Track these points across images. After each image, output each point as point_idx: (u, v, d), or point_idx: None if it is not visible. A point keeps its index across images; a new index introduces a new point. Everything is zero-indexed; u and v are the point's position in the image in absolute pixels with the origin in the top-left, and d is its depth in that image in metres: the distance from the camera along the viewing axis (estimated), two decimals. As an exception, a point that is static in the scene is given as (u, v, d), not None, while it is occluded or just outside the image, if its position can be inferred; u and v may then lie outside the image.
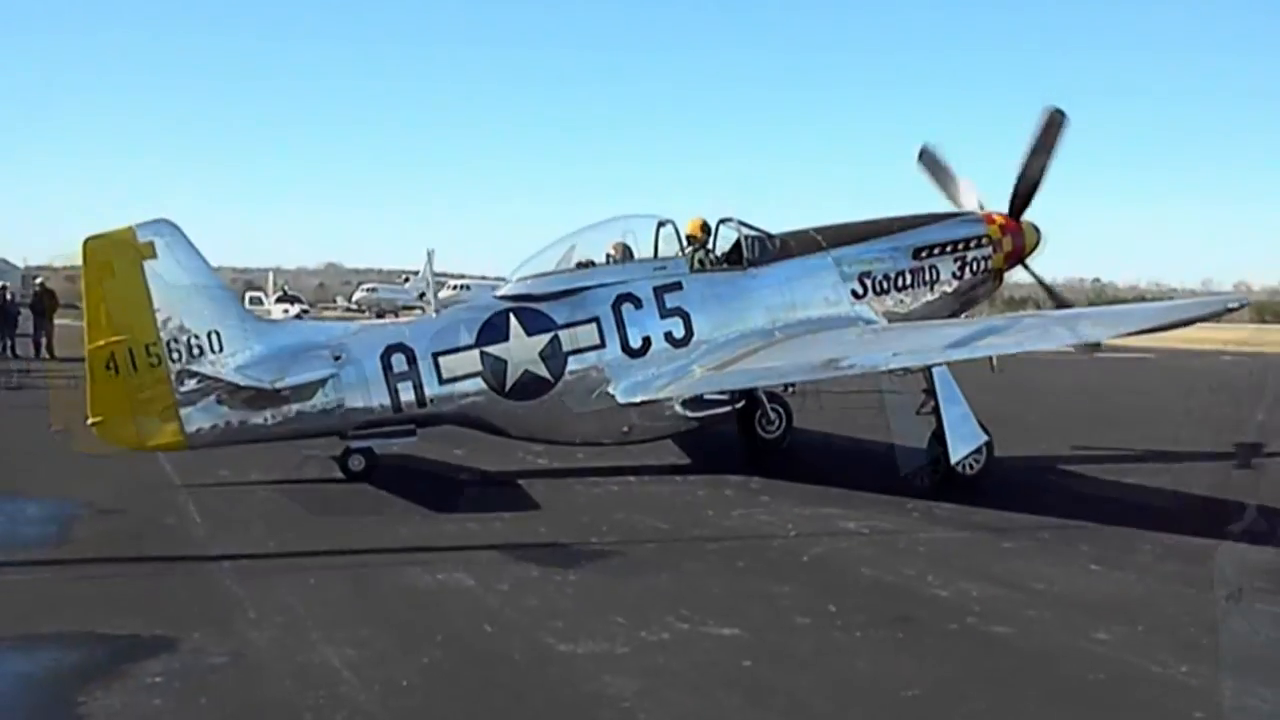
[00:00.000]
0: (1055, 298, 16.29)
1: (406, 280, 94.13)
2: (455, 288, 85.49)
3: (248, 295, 50.97)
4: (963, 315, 14.97)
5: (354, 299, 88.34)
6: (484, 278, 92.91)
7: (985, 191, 15.70)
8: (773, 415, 14.87)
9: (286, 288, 47.91)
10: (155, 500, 11.48)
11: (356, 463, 12.45)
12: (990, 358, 12.51)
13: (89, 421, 11.58)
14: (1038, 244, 15.53)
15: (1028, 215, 15.42)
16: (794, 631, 7.27)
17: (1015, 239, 15.18)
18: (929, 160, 16.19)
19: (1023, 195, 15.18)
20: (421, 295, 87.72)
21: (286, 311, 41.48)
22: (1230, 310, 11.29)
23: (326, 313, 75.26)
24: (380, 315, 74.65)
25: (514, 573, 8.74)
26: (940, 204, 15.77)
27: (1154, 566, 9.11)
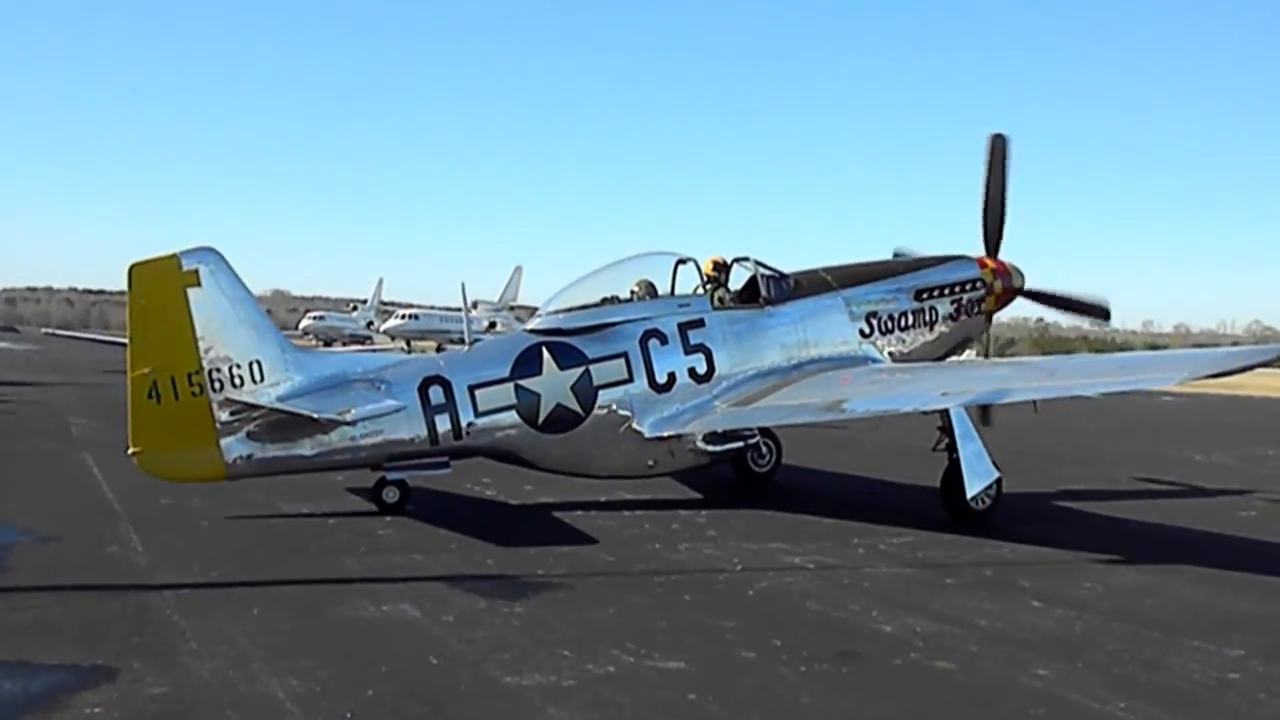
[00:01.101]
0: (1083, 309, 16.38)
1: (354, 308, 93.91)
2: (403, 316, 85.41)
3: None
4: (955, 355, 15.58)
5: (300, 326, 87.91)
6: (433, 307, 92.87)
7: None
8: (764, 450, 15.27)
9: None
10: (96, 528, 11.34)
11: (391, 494, 12.49)
12: (1034, 400, 12.65)
13: (130, 452, 11.42)
14: (1023, 285, 16.01)
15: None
16: (739, 666, 7.30)
17: (1005, 281, 15.73)
18: (997, 148, 15.84)
19: (993, 228, 15.66)
20: (370, 324, 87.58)
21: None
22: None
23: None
24: (327, 344, 74.41)
25: (460, 604, 8.71)
26: None
27: (1094, 603, 9.22)
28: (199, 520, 11.92)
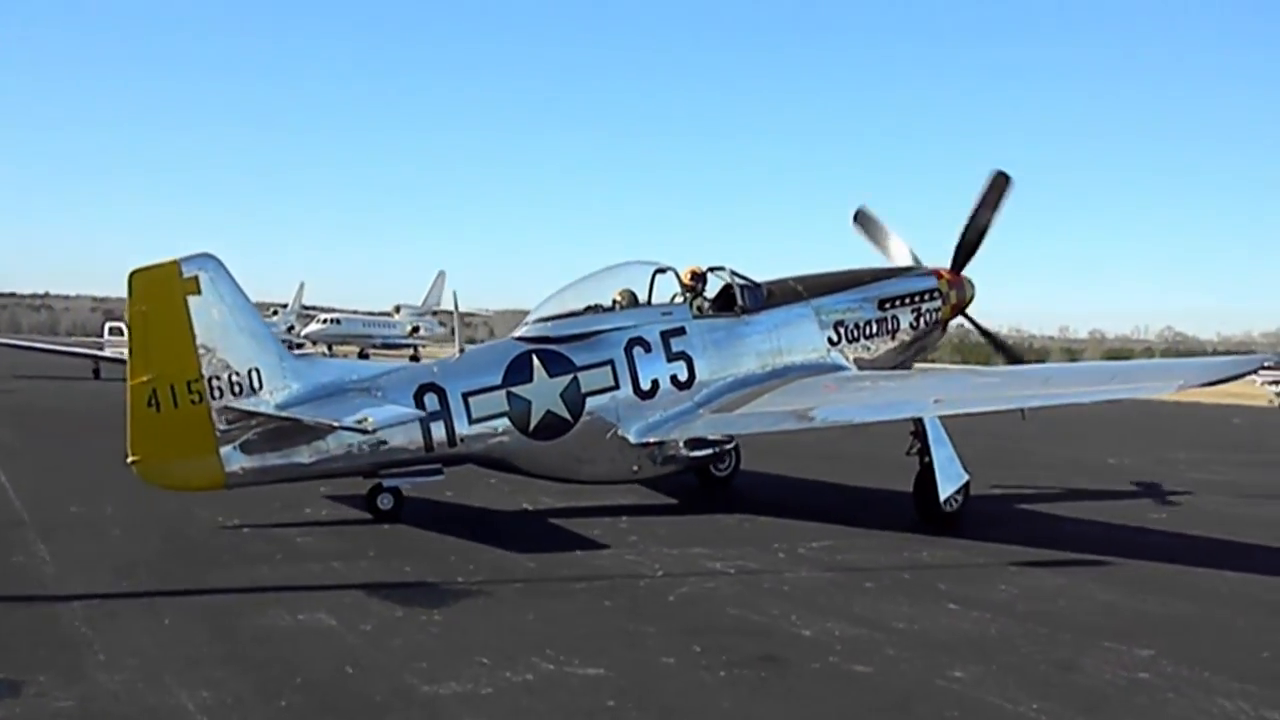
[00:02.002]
0: (1002, 347, 17.61)
1: (275, 313, 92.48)
2: (325, 321, 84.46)
3: (107, 326, 49.40)
4: (913, 363, 16.15)
5: None
6: (355, 311, 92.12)
7: (916, 242, 17.02)
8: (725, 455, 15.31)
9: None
10: (2, 537, 11.06)
11: (386, 501, 12.43)
12: (1021, 408, 12.98)
13: (128, 461, 11.21)
14: (974, 297, 16.68)
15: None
16: (659, 672, 7.29)
17: (959, 292, 16.41)
18: (864, 220, 17.31)
19: (966, 250, 16.37)
20: (291, 329, 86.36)
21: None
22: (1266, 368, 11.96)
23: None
24: None
25: (378, 612, 8.61)
26: (877, 260, 16.87)
27: (1009, 605, 9.35)
28: (110, 529, 11.67)
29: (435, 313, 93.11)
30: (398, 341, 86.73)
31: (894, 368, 15.43)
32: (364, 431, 11.46)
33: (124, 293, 11.21)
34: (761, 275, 14.84)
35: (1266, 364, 12.08)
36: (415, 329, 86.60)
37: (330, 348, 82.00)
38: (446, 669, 7.18)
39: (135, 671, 6.98)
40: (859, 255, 17.31)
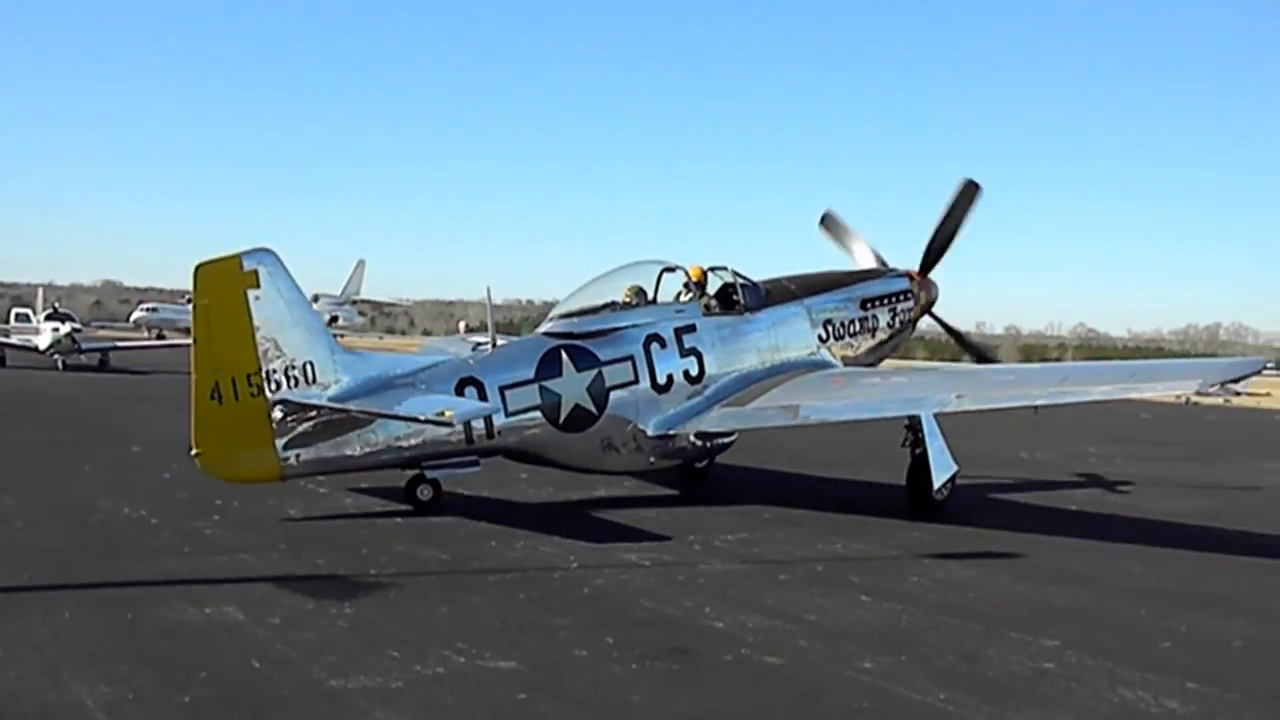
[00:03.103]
0: (969, 346, 18.23)
1: (188, 299, 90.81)
2: (146, 310, 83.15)
3: (14, 312, 48.04)
4: (884, 360, 16.96)
5: (132, 318, 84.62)
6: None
7: (881, 244, 17.79)
8: None
9: (58, 305, 45.40)
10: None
11: (425, 492, 12.71)
12: (1035, 404, 13.54)
13: (192, 453, 11.22)
14: (938, 297, 17.46)
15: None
16: (571, 664, 7.27)
17: (927, 293, 17.20)
18: (831, 223, 18.00)
19: (935, 254, 17.18)
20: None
21: (57, 330, 39.18)
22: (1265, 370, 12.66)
23: (101, 331, 71.78)
24: (160, 336, 72.12)
25: (287, 606, 8.49)
26: (843, 262, 17.61)
27: (920, 597, 9.46)
28: (11, 520, 11.39)
29: (355, 302, 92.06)
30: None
31: (870, 364, 16.18)
32: (448, 424, 11.82)
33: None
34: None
35: (1269, 366, 12.91)
36: (334, 318, 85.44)
37: (161, 334, 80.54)
38: (356, 663, 7.10)
39: (33, 666, 6.82)
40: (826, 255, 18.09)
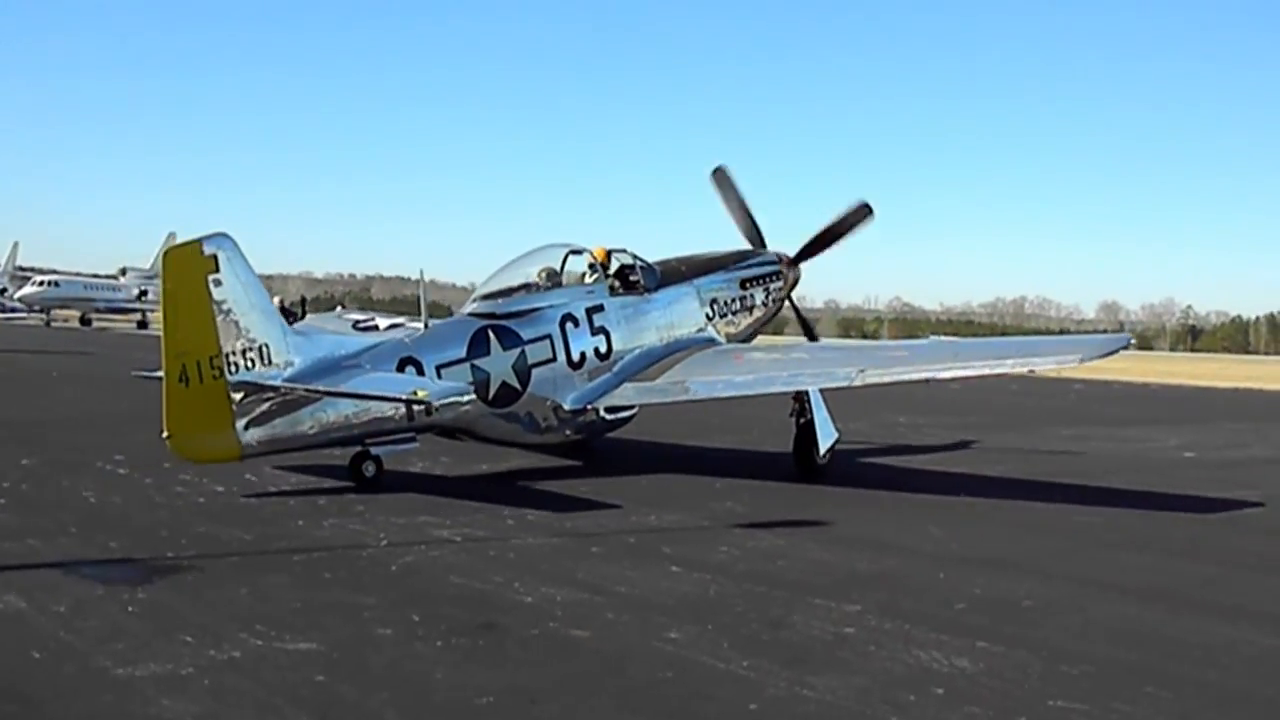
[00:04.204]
0: (807, 327, 18.98)
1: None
2: (42, 283, 79.15)
3: None
4: (757, 336, 18.01)
5: (18, 295, 79.52)
6: (78, 274, 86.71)
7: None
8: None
9: None
10: None
11: (370, 469, 12.84)
12: (928, 378, 14.28)
13: (164, 436, 11.32)
14: (800, 280, 18.60)
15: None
16: (373, 643, 7.11)
17: (791, 271, 18.15)
18: (722, 180, 18.38)
19: (811, 251, 18.15)
20: (3, 291, 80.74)
21: None
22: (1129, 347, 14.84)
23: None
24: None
25: (75, 592, 8.09)
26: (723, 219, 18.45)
27: (729, 566, 9.59)
28: None
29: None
30: (123, 306, 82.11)
31: (746, 340, 17.18)
32: (421, 404, 12.14)
33: None
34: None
35: (1131, 343, 14.36)
36: (143, 293, 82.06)
37: (49, 312, 77.18)
38: (145, 649, 6.80)
39: None
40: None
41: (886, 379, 13.95)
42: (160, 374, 11.54)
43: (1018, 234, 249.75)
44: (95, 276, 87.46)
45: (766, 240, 18.18)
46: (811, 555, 10.20)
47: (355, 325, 16.20)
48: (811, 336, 18.95)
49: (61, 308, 78.73)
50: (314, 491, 12.47)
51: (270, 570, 8.94)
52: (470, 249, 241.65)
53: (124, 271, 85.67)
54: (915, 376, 14.03)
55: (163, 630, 7.20)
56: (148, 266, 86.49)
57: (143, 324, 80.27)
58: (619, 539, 10.56)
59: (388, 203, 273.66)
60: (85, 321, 79.95)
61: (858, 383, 13.63)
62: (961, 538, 11.19)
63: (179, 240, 12.37)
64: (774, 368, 14.91)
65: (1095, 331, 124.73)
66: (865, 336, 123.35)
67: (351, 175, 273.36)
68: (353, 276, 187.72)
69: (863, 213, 17.88)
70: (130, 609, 7.72)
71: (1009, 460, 17.80)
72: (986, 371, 14.16)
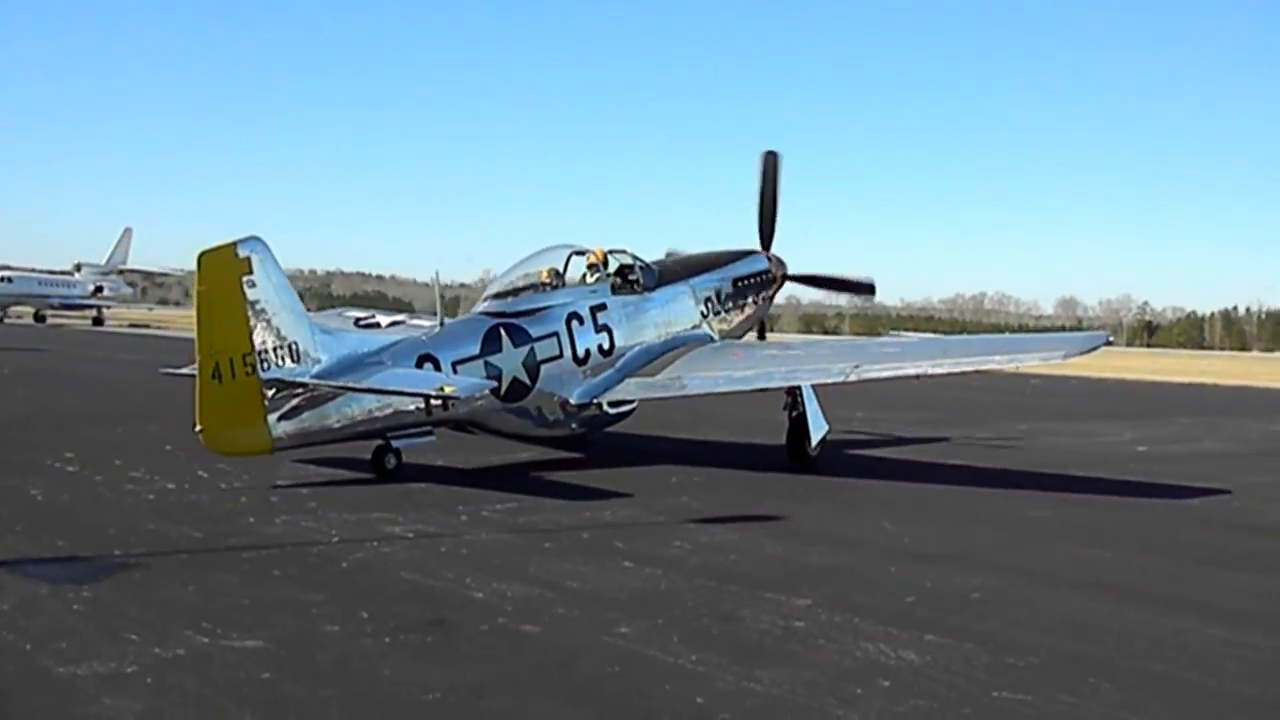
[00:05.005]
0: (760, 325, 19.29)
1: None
2: None
3: None
4: (748, 332, 18.58)
5: None
6: (32, 270, 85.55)
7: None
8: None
9: None
10: None
11: (390, 462, 13.38)
12: (919, 374, 14.56)
13: (196, 429, 11.79)
14: (787, 269, 19.18)
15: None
16: (321, 641, 7.07)
17: (781, 270, 18.91)
18: (769, 165, 18.79)
19: (766, 227, 18.82)
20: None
21: None
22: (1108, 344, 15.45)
23: None
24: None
25: (19, 591, 7.99)
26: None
27: (682, 561, 9.60)
28: None
29: (122, 271, 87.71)
30: (79, 302, 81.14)
31: (738, 337, 17.84)
32: (452, 399, 12.84)
33: None
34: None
35: (1110, 340, 14.97)
36: (98, 289, 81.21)
37: (3, 309, 76.20)
38: (89, 648, 6.72)
39: None
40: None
41: (881, 375, 14.20)
42: (189, 371, 11.99)
43: (978, 230, 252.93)
44: (50, 273, 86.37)
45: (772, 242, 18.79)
46: (764, 550, 10.23)
47: (357, 322, 16.60)
48: (760, 335, 19.31)
49: (15, 304, 77.75)
50: (266, 488, 12.36)
51: (219, 568, 8.87)
52: (431, 245, 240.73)
53: (79, 267, 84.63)
54: (908, 372, 14.26)
55: (107, 629, 7.12)
56: (103, 262, 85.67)
57: (99, 320, 79.46)
58: (572, 535, 10.55)
59: (347, 198, 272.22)
60: (39, 318, 78.98)
61: (853, 378, 14.03)
62: (914, 532, 11.26)
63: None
64: (771, 363, 15.25)
65: (1055, 328, 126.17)
66: (826, 332, 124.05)
67: (311, 171, 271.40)
68: (313, 272, 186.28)
69: (864, 289, 19.33)
70: (75, 607, 7.63)
71: (964, 454, 17.97)
72: (976, 367, 14.76)
